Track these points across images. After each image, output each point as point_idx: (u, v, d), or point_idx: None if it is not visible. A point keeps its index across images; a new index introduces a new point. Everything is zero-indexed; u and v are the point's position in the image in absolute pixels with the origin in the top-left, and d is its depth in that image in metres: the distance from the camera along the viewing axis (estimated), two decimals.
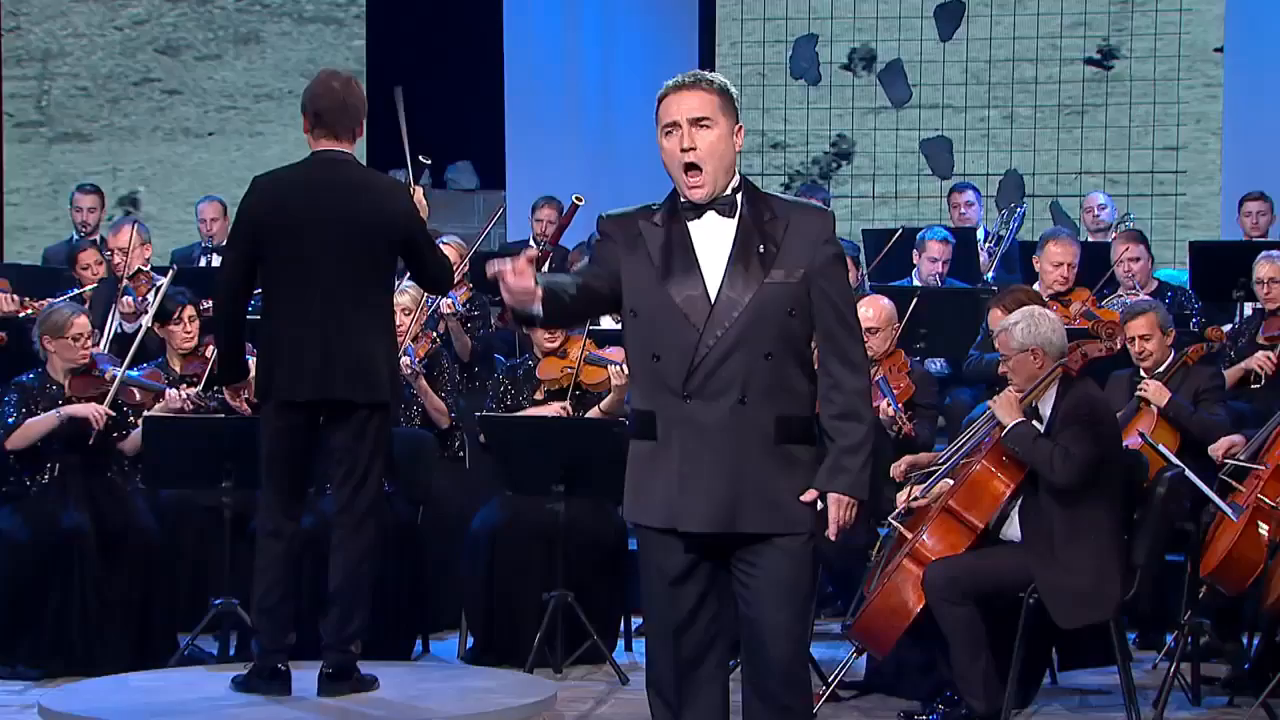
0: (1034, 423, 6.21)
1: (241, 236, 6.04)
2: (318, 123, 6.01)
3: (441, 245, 8.74)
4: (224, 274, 6.14)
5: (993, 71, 12.83)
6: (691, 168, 4.18)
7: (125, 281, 8.76)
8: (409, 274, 6.33)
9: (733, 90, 4.26)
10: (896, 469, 6.81)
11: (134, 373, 7.21)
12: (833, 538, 4.23)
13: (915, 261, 9.60)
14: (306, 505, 6.24)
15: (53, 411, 6.96)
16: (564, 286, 4.24)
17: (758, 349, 4.15)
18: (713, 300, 4.15)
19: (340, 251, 5.91)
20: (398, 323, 7.77)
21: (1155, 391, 7.28)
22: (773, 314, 4.16)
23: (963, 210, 10.88)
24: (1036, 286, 8.43)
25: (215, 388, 7.34)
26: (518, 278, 4.11)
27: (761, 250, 4.17)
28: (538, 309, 4.16)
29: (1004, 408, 6.22)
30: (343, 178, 5.99)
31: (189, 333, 7.65)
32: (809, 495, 4.19)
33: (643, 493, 4.25)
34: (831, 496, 4.20)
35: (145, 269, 8.95)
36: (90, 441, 6.95)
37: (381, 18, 13.34)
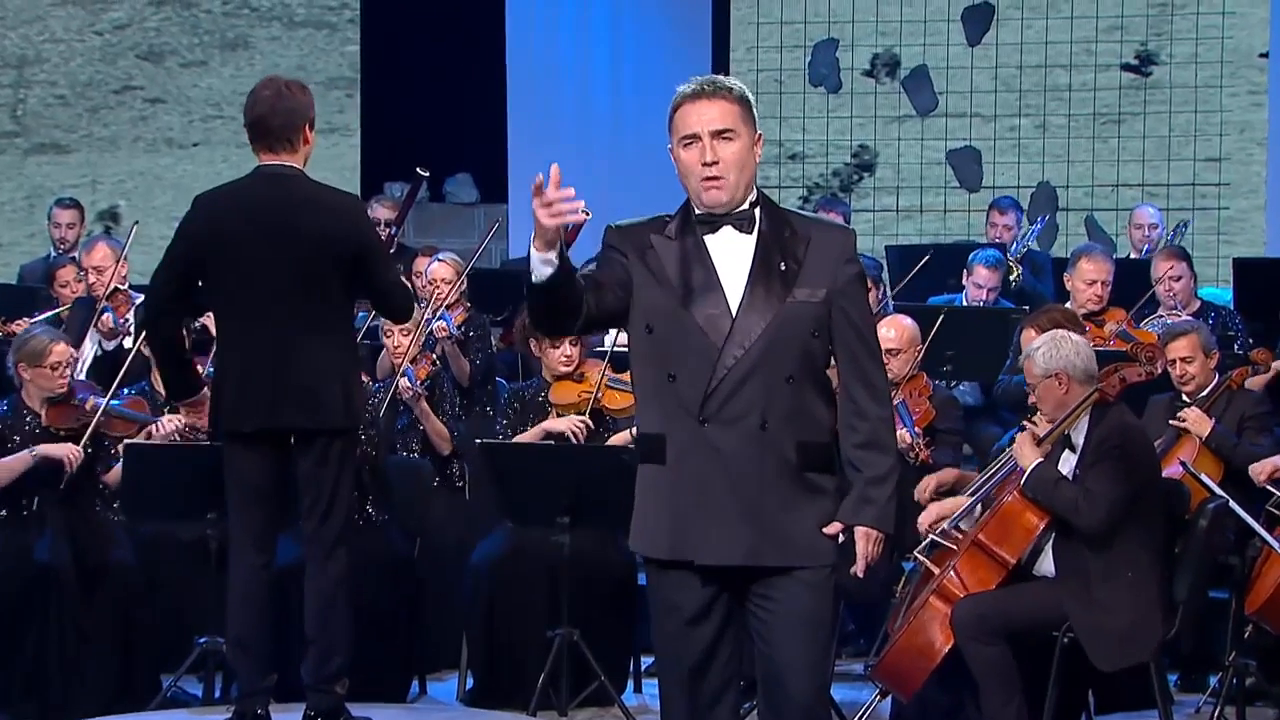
0: (1057, 463, 6.19)
1: (178, 255, 6.06)
2: (253, 135, 6.02)
3: (438, 261, 8.84)
4: (155, 293, 6.15)
5: (1024, 78, 12.84)
6: (713, 177, 4.19)
7: (103, 302, 8.78)
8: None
9: (751, 97, 4.26)
10: (922, 491, 6.80)
11: (116, 402, 7.22)
12: (860, 575, 4.22)
13: (964, 282, 9.58)
14: (284, 537, 6.24)
15: (25, 451, 6.96)
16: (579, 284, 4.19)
17: (779, 372, 4.15)
18: (733, 319, 4.16)
19: (284, 272, 5.92)
20: (395, 344, 7.82)
21: (1196, 421, 7.23)
22: (795, 335, 4.16)
23: (1001, 232, 10.82)
24: (1068, 306, 8.42)
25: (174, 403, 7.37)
26: (555, 190, 4.01)
27: (783, 268, 4.18)
28: (552, 261, 4.06)
29: (1022, 450, 6.21)
30: (284, 193, 5.99)
31: None
32: (833, 528, 4.19)
33: (650, 521, 4.26)
34: (859, 531, 4.20)
35: (123, 288, 8.96)
36: (62, 484, 6.95)
37: (376, 21, 13.36)
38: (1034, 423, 6.36)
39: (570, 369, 7.47)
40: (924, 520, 6.50)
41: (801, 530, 4.18)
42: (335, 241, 5.95)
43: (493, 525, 7.44)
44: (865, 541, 4.20)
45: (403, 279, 6.32)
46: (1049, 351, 6.28)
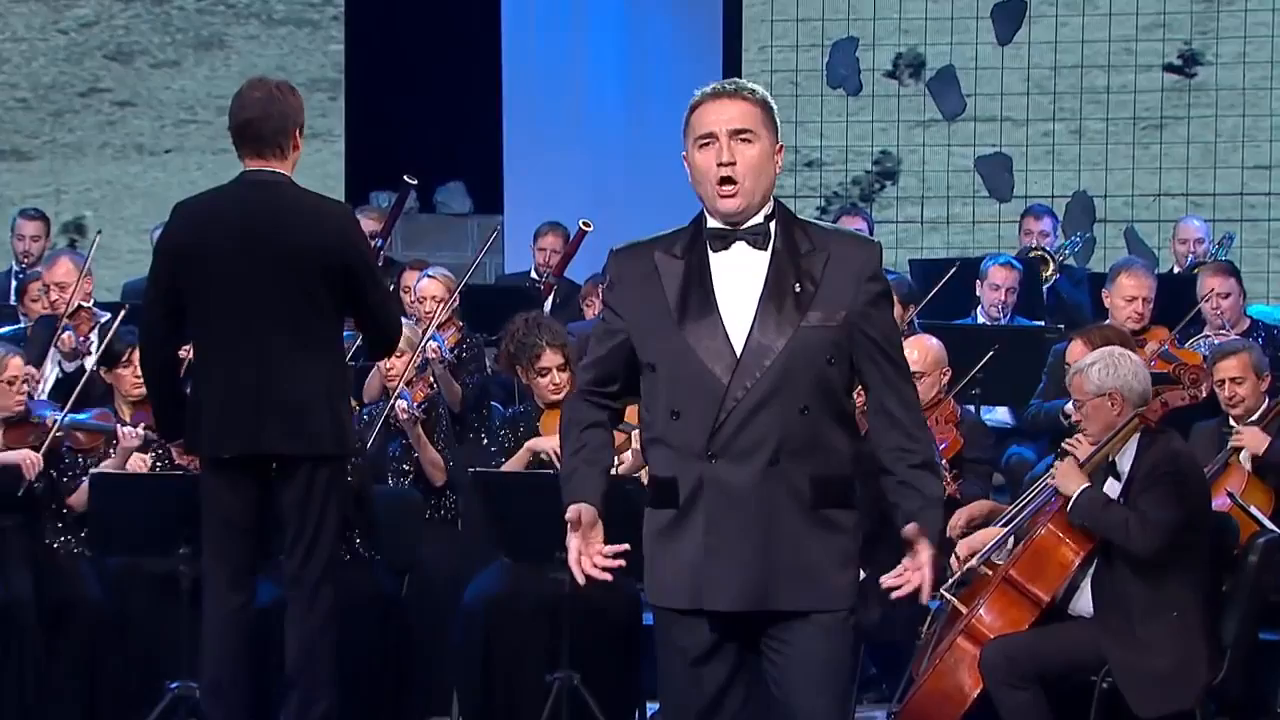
0: (1104, 487, 6.19)
1: (161, 271, 6.07)
2: (240, 139, 6.05)
3: (427, 277, 8.86)
4: (145, 317, 6.17)
5: (1058, 79, 12.85)
6: (727, 181, 4.19)
7: (65, 320, 8.79)
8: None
9: (774, 104, 4.27)
10: (953, 526, 6.79)
11: (79, 415, 7.23)
12: (927, 598, 4.23)
13: (978, 293, 9.61)
14: (263, 574, 6.25)
15: None
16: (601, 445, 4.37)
17: (792, 402, 4.15)
18: (741, 346, 4.16)
19: (269, 284, 5.94)
20: (387, 365, 7.83)
21: (1252, 438, 7.18)
22: (809, 362, 4.16)
23: (1036, 239, 10.84)
24: None
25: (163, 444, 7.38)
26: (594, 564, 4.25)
27: (798, 289, 4.17)
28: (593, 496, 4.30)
29: (1066, 476, 6.20)
30: (271, 201, 6.01)
31: (139, 377, 7.65)
32: (910, 531, 4.17)
33: (664, 570, 4.27)
34: (927, 552, 4.20)
35: (87, 305, 8.97)
36: (20, 493, 6.95)
37: (362, 18, 13.39)
38: (1074, 444, 6.36)
39: (561, 397, 7.45)
40: (953, 525, 6.50)
41: (817, 571, 4.18)
42: (326, 253, 5.97)
43: (487, 561, 7.44)
44: (929, 550, 4.20)
45: (393, 301, 6.33)
46: (1106, 369, 6.28)
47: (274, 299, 5.94)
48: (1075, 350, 7.27)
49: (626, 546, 4.27)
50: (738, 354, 4.15)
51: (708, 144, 4.21)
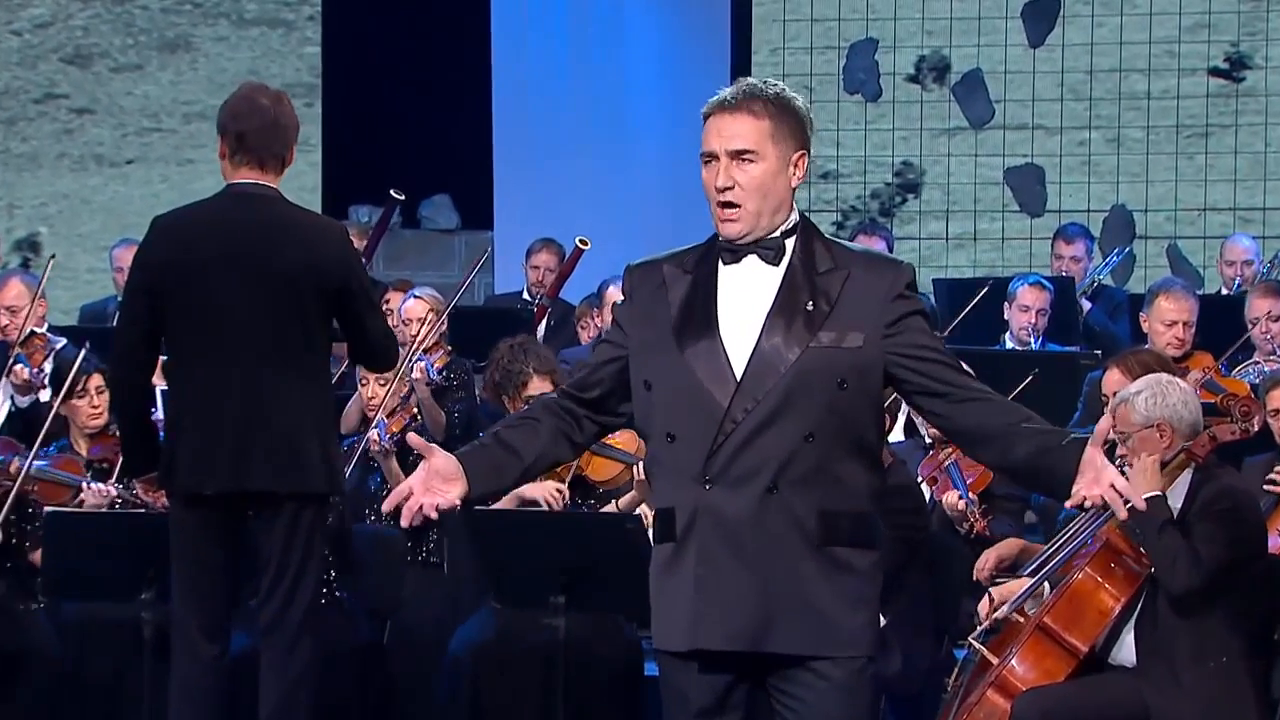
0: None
1: (138, 291, 6.08)
2: (240, 148, 6.06)
3: (413, 298, 8.87)
4: (119, 341, 6.18)
5: (1094, 84, 12.87)
6: (727, 205, 4.23)
7: (16, 349, 8.76)
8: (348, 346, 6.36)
9: (795, 103, 4.27)
10: (981, 568, 6.78)
11: (42, 463, 7.23)
12: (1123, 511, 4.09)
13: (1006, 315, 9.62)
14: (234, 621, 6.25)
15: None
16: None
17: (796, 427, 4.15)
18: (744, 365, 4.17)
19: (258, 306, 5.96)
20: (370, 394, 7.84)
21: None
22: (818, 385, 4.16)
23: (1068, 265, 10.85)
24: None
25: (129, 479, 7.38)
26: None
27: (810, 307, 4.18)
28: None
29: (1141, 475, 6.14)
30: (262, 216, 6.04)
31: (96, 407, 7.65)
32: (1096, 456, 4.08)
33: (664, 610, 4.27)
34: (1101, 458, 4.08)
35: (41, 331, 8.94)
36: None
37: (340, 19, 13.41)
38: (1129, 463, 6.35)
39: None
40: (981, 567, 6.47)
41: (823, 613, 4.18)
42: (323, 275, 6.00)
43: (475, 606, 7.44)
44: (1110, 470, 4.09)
45: (387, 324, 6.35)
46: (1153, 397, 6.26)
47: (264, 323, 5.95)
48: (1112, 379, 7.25)
49: (456, 502, 4.24)
50: (738, 374, 4.16)
51: (709, 163, 4.25)
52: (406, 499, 4.22)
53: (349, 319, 6.10)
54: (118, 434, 7.60)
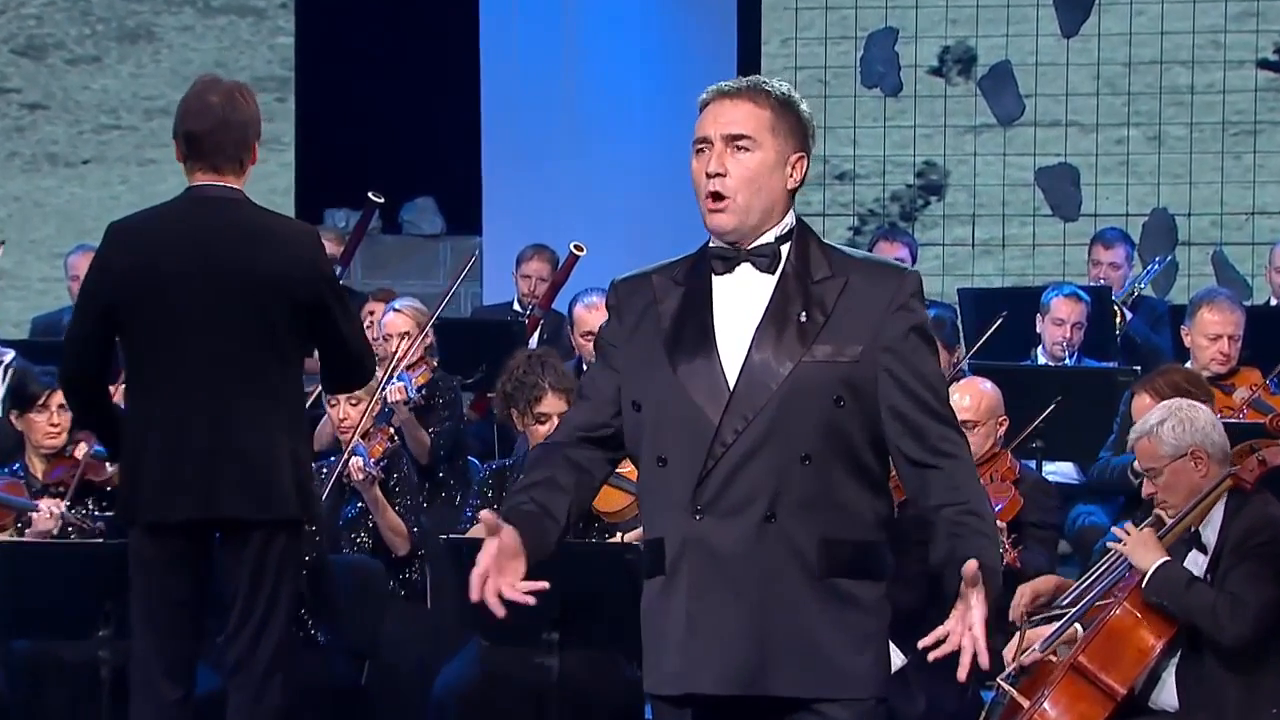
0: (1185, 562, 6.17)
1: (92, 302, 6.09)
2: (192, 151, 6.08)
3: (393, 310, 8.86)
4: (70, 356, 6.16)
5: (1132, 78, 12.88)
6: (716, 195, 4.22)
7: None
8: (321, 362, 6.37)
9: (801, 105, 4.28)
10: (1017, 605, 6.77)
11: None
12: (965, 671, 4.09)
13: (1039, 328, 9.62)
14: (200, 660, 6.25)
15: None
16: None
17: (791, 449, 4.15)
18: (733, 383, 4.17)
19: (227, 319, 5.96)
20: (341, 414, 7.84)
21: None
22: (813, 403, 4.16)
23: (1107, 272, 10.84)
24: (1189, 366, 8.42)
25: (90, 501, 7.38)
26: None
27: (803, 318, 4.18)
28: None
29: (1140, 549, 6.18)
30: (226, 221, 6.04)
31: (55, 425, 7.66)
32: (970, 567, 4.05)
33: (654, 651, 4.28)
34: (980, 609, 4.06)
35: None
36: None
37: (314, 7, 13.42)
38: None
39: None
40: (1016, 604, 6.46)
41: (825, 651, 4.17)
42: (294, 285, 6.00)
43: (461, 643, 7.44)
44: (984, 621, 4.05)
45: (364, 333, 6.35)
46: (1180, 425, 6.26)
47: (231, 336, 5.96)
48: (1141, 405, 7.24)
49: (545, 585, 4.22)
50: (731, 393, 4.16)
51: (701, 150, 4.24)
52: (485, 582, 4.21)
53: (324, 333, 6.10)
54: (76, 453, 7.62)
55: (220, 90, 6.11)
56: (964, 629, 4.06)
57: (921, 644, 4.12)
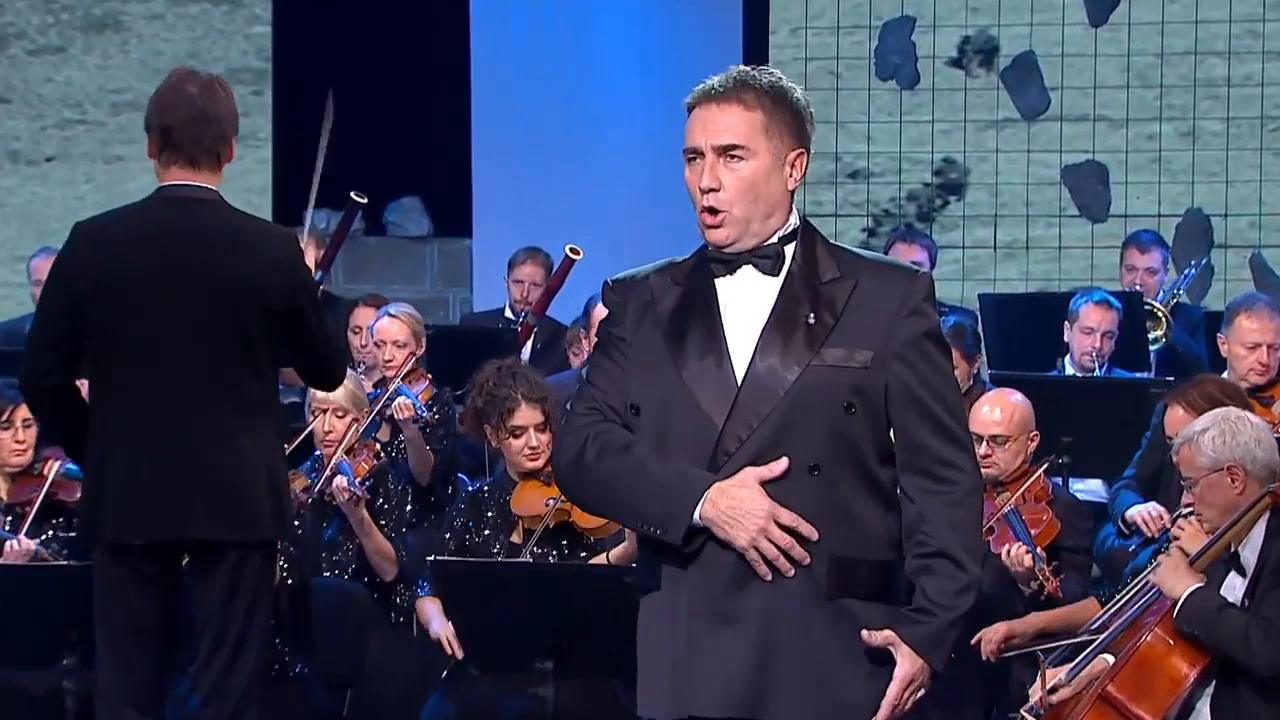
0: (1224, 585, 6.18)
1: (57, 300, 6.09)
2: (167, 145, 6.10)
3: (388, 316, 8.86)
4: (32, 361, 6.17)
5: (1165, 69, 12.88)
6: (711, 210, 4.25)
7: None
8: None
9: (794, 95, 4.29)
10: (989, 641, 6.79)
11: None
12: None
13: (1066, 337, 9.61)
14: (170, 689, 6.26)
15: None
16: None
17: (799, 458, 4.17)
18: (738, 388, 4.18)
19: (197, 327, 5.98)
20: (326, 427, 7.83)
21: None
22: (822, 410, 4.18)
23: (1143, 278, 10.83)
24: (1226, 377, 8.43)
25: (56, 525, 7.39)
26: None
27: (811, 320, 4.20)
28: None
29: (1170, 574, 6.18)
30: (200, 224, 6.06)
31: (21, 442, 7.67)
32: (878, 638, 4.13)
33: (649, 672, 4.29)
34: (903, 650, 4.17)
35: None
36: None
37: None
38: (1182, 530, 6.35)
39: (539, 464, 7.43)
40: (1037, 692, 6.46)
41: (832, 676, 4.18)
42: (271, 293, 6.02)
43: (450, 672, 7.44)
44: (909, 667, 4.14)
45: (336, 335, 6.37)
46: (1221, 435, 6.26)
47: (203, 346, 5.98)
48: (1175, 418, 7.26)
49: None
50: (736, 397, 4.18)
51: (693, 160, 4.27)
52: None
53: (298, 338, 6.12)
54: (45, 470, 7.63)
55: (199, 82, 6.13)
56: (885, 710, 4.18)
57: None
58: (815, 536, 4.11)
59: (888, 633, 4.16)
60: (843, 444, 4.19)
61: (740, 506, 4.11)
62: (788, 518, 4.11)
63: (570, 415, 4.41)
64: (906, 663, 4.17)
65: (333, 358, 6.27)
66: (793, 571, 4.12)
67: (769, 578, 4.11)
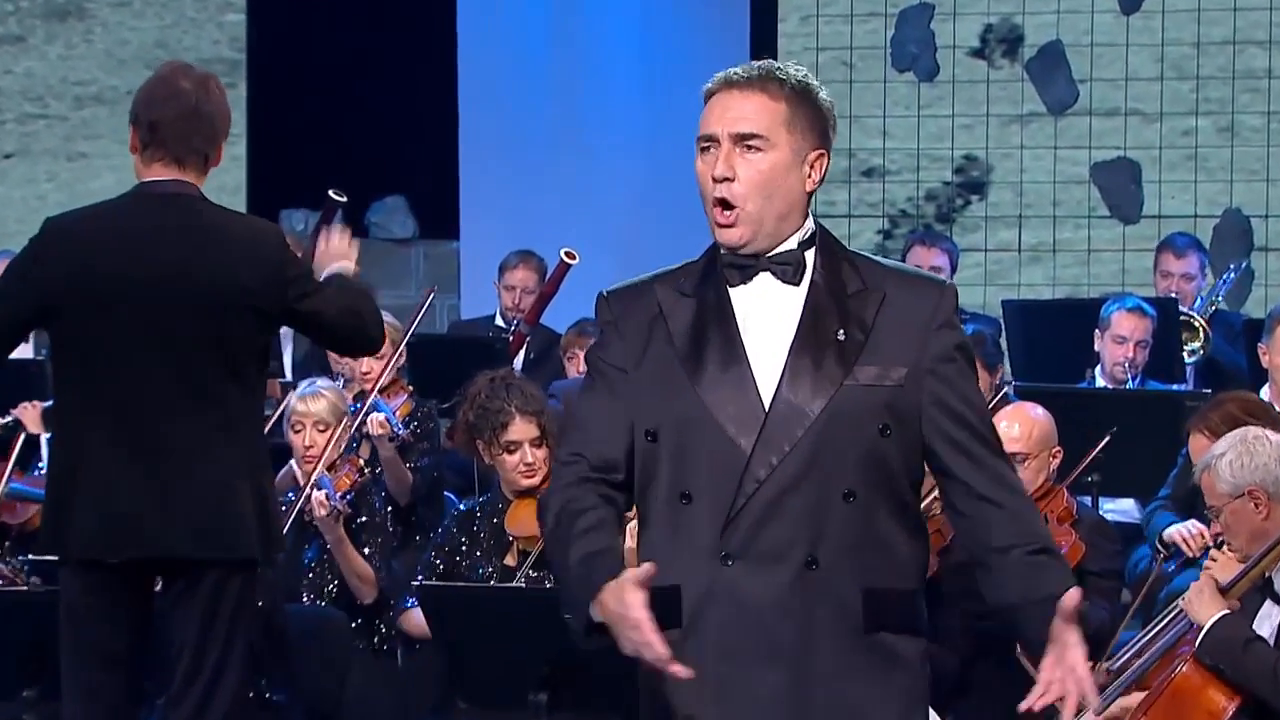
0: (1253, 620, 6.18)
1: (14, 292, 6.11)
2: (153, 139, 6.11)
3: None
4: None
5: (1201, 60, 12.90)
6: (723, 204, 4.23)
7: None
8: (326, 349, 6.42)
9: (820, 94, 4.30)
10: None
11: None
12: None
13: (1097, 346, 9.62)
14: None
15: None
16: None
17: (833, 484, 4.17)
18: (766, 409, 4.18)
19: (180, 333, 5.99)
20: (308, 442, 7.84)
21: None
22: (856, 432, 4.18)
23: (1179, 284, 10.83)
24: (1265, 393, 8.43)
25: (4, 548, 7.42)
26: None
27: (842, 336, 4.20)
28: None
29: (1198, 601, 6.19)
30: (177, 220, 6.08)
31: None
32: (1073, 596, 4.10)
33: (664, 715, 4.26)
34: (1079, 648, 4.10)
35: None
36: None
37: None
38: (1213, 560, 6.37)
39: (535, 482, 7.44)
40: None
41: (873, 712, 4.19)
42: (251, 293, 6.02)
43: (436, 705, 7.45)
44: (1072, 610, 4.09)
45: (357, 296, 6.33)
46: (1238, 458, 6.27)
47: (184, 352, 5.99)
48: (1198, 447, 7.25)
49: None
50: (764, 419, 4.16)
51: (707, 149, 4.25)
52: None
53: (308, 327, 6.21)
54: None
55: (193, 77, 6.16)
56: (1064, 672, 4.10)
57: (1022, 707, 4.14)
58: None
59: (1073, 595, 4.11)
60: (877, 468, 4.19)
61: (620, 616, 4.06)
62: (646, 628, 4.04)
63: (557, 458, 4.42)
64: (1080, 644, 4.11)
65: (357, 325, 6.21)
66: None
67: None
